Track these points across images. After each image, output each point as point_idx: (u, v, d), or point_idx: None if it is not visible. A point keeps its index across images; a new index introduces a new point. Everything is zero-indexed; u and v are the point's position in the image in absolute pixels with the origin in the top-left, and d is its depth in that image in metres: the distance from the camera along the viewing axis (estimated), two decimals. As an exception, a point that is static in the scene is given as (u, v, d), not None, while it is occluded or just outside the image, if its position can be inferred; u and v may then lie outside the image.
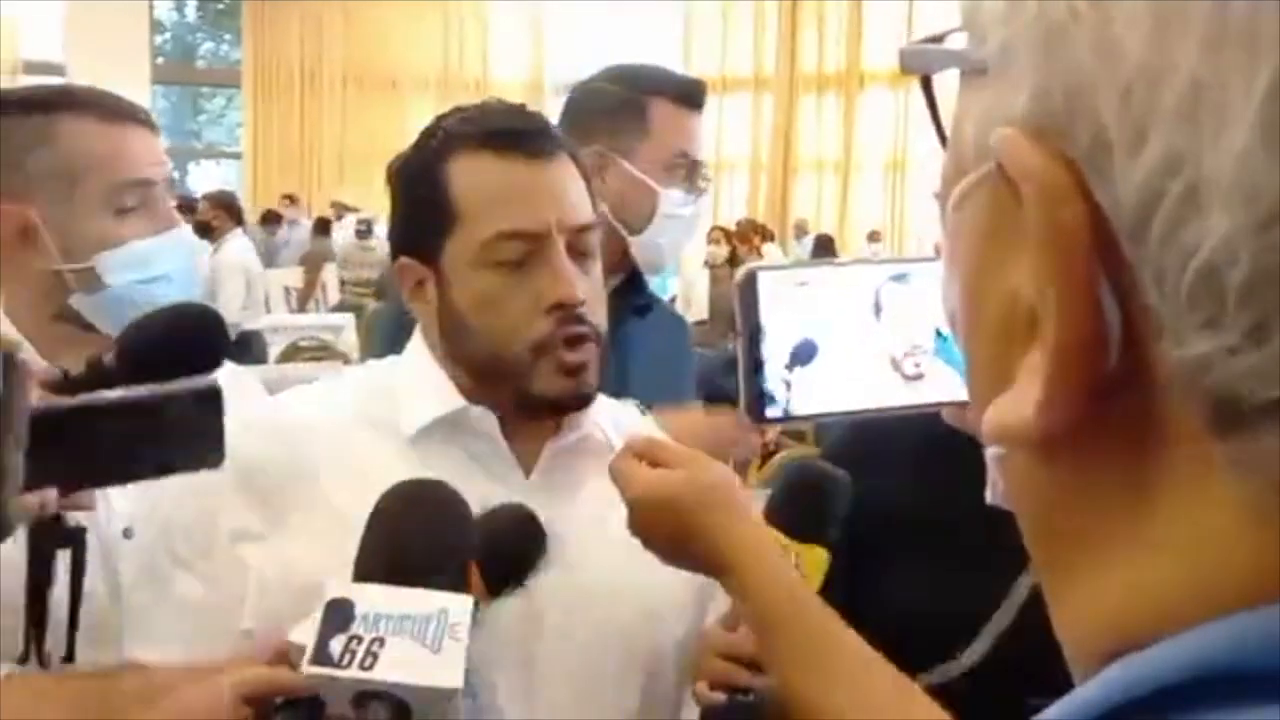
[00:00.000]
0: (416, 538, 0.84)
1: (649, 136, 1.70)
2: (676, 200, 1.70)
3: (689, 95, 1.75)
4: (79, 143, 1.21)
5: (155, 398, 1.01)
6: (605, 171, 1.68)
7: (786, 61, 12.69)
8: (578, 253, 1.11)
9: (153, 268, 1.23)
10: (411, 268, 1.13)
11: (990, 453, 0.36)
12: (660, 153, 1.70)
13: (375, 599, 0.79)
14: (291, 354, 5.74)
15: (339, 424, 1.11)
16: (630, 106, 1.71)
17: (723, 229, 9.30)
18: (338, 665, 0.76)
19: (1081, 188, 0.30)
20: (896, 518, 1.20)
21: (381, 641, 0.77)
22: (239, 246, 7.21)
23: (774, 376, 0.90)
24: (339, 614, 0.79)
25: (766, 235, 9.87)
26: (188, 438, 0.97)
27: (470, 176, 1.10)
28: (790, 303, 0.91)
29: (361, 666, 0.76)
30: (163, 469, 0.99)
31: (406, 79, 13.37)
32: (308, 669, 0.77)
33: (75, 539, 1.00)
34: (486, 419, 1.12)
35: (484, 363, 1.11)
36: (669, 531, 1.00)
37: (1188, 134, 0.27)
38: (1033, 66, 0.31)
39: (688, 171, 1.73)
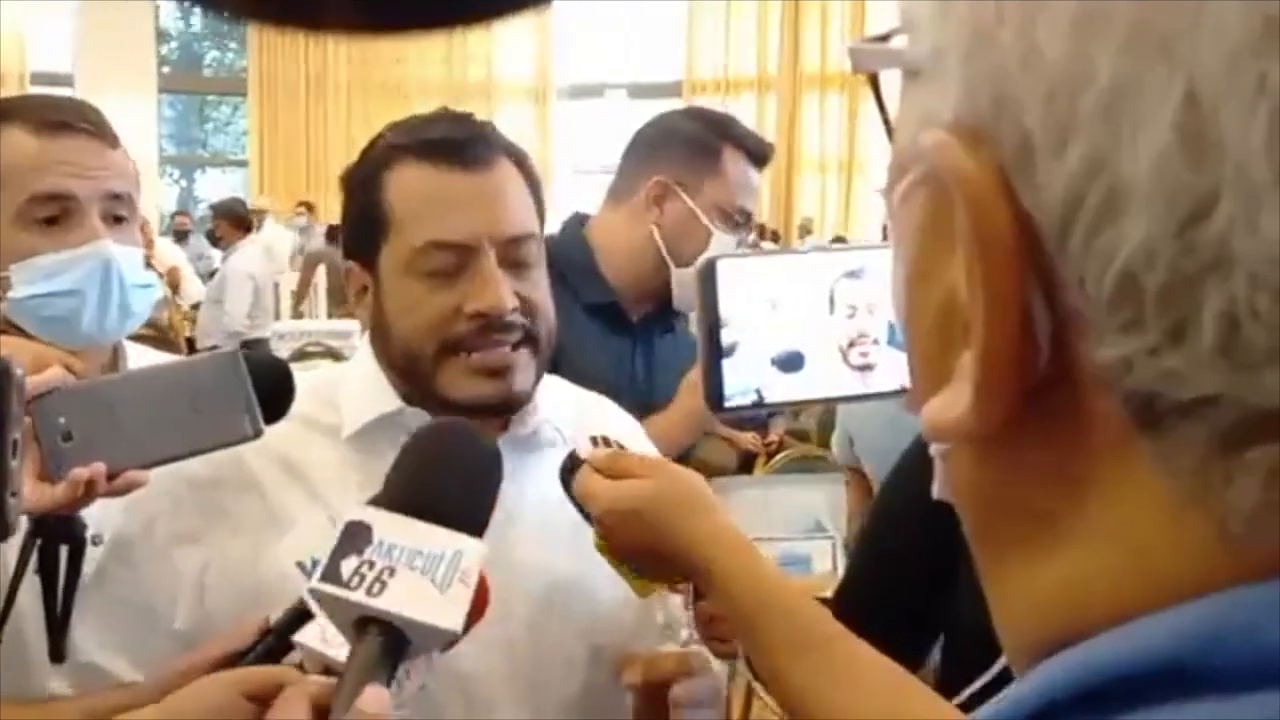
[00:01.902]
0: (447, 478, 0.83)
1: (717, 180, 1.74)
2: (728, 245, 1.73)
3: (760, 153, 1.79)
4: (4, 154, 1.21)
5: (175, 368, 1.02)
6: (665, 201, 1.73)
7: (790, 61, 12.68)
8: (513, 263, 1.10)
9: (58, 282, 1.22)
10: (356, 274, 1.15)
11: (933, 449, 0.37)
12: (724, 198, 1.74)
13: (393, 528, 0.78)
14: (298, 359, 5.75)
15: (280, 426, 1.09)
16: (706, 147, 1.75)
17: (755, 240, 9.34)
18: (345, 586, 0.75)
19: (1008, 193, 0.30)
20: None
21: (392, 571, 0.76)
22: (247, 255, 7.20)
23: (733, 366, 0.90)
24: (355, 537, 0.77)
25: (766, 234, 9.83)
26: (217, 409, 0.97)
27: (405, 185, 1.10)
28: (750, 292, 0.90)
29: (368, 592, 0.75)
30: (197, 444, 0.99)
31: (412, 84, 13.37)
32: (314, 585, 0.76)
33: (78, 537, 1.00)
34: (421, 419, 1.11)
35: (403, 366, 1.11)
36: (640, 541, 0.99)
37: (1106, 138, 0.28)
38: (961, 69, 0.31)
39: (742, 223, 1.77)
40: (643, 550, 1.00)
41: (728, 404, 0.91)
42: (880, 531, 1.32)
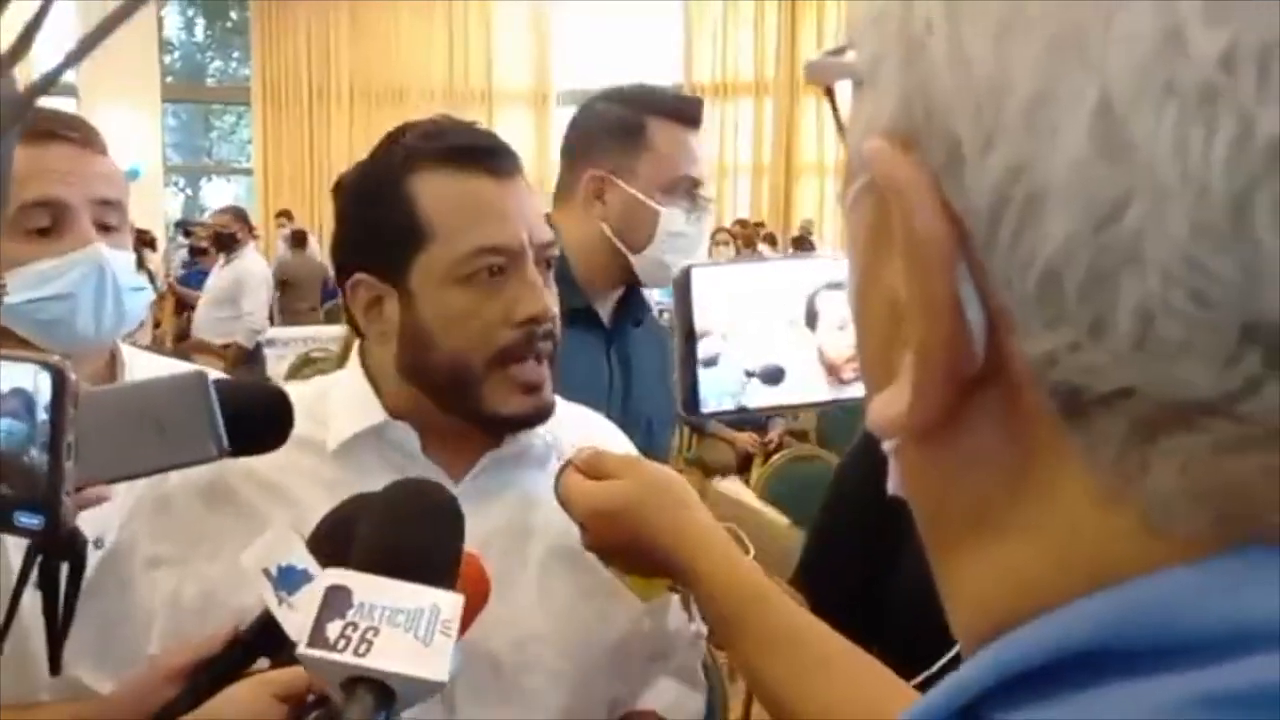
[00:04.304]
0: (415, 538, 0.85)
1: (649, 157, 1.70)
2: (678, 219, 1.70)
3: (687, 114, 1.74)
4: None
5: (142, 386, 1.04)
6: (605, 194, 1.70)
7: (787, 64, 12.69)
8: (544, 267, 1.11)
9: (52, 287, 1.24)
10: (368, 284, 1.11)
11: (885, 446, 0.37)
12: (660, 173, 1.70)
13: (372, 589, 0.80)
14: (303, 365, 5.76)
15: None
16: (630, 127, 1.71)
17: (729, 230, 9.36)
18: (333, 649, 0.77)
19: (940, 196, 0.31)
20: None
21: (376, 630, 0.78)
22: (256, 258, 7.27)
23: (711, 375, 0.91)
24: (337, 601, 0.80)
25: (749, 238, 9.74)
26: (180, 429, 0.99)
27: (439, 193, 1.08)
28: (726, 300, 0.90)
29: (356, 653, 0.77)
30: (162, 462, 1.00)
31: (413, 91, 13.41)
32: (303, 651, 0.78)
33: (78, 550, 0.99)
34: (406, 433, 1.11)
35: (445, 379, 1.09)
36: (624, 542, 1.00)
37: (1028, 143, 0.29)
38: (896, 77, 0.32)
39: (688, 190, 1.73)
40: (625, 552, 1.01)
41: (704, 409, 0.93)
42: (831, 513, 1.34)
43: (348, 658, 0.77)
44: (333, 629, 0.78)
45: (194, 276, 8.66)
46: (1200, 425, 0.28)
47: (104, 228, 1.28)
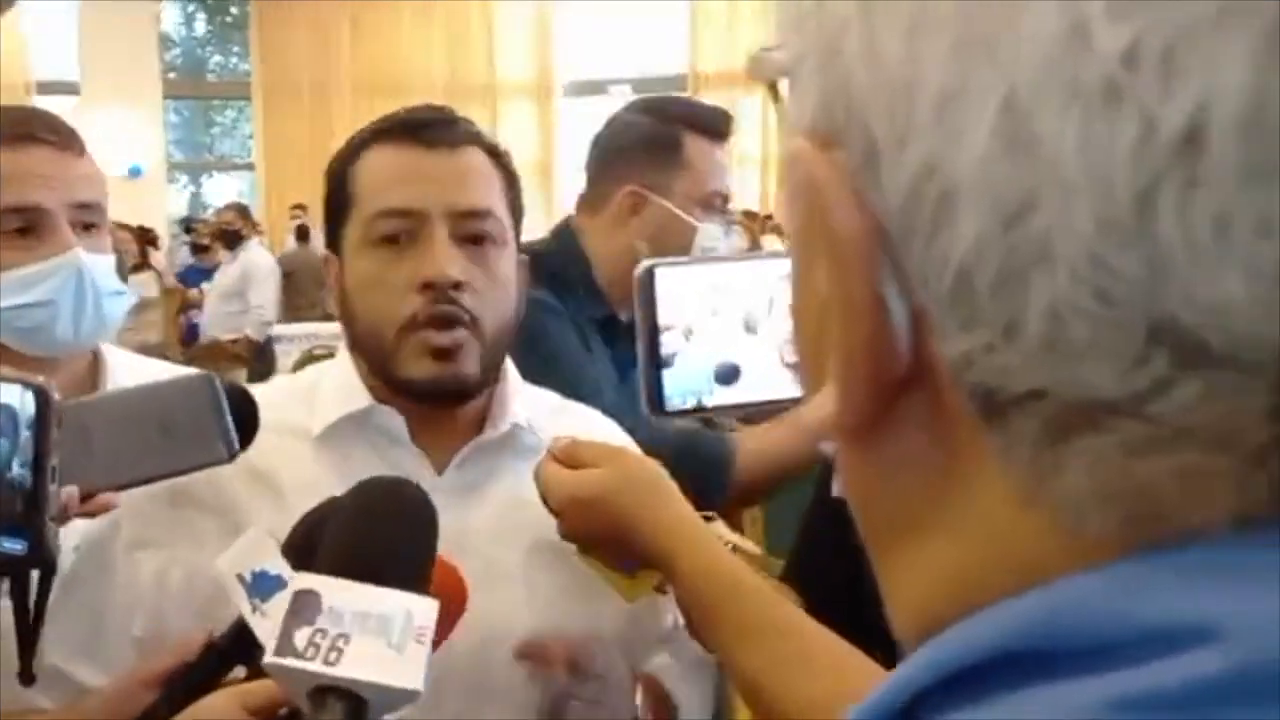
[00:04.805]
0: (385, 540, 0.83)
1: (686, 172, 1.71)
2: (714, 234, 1.72)
3: (720, 128, 1.76)
4: None
5: (149, 390, 1.03)
6: (642, 209, 1.71)
7: (793, 53, 12.67)
8: (467, 237, 1.10)
9: (31, 293, 1.23)
10: (330, 262, 1.16)
11: (825, 447, 0.37)
12: (697, 188, 1.72)
13: (342, 595, 0.76)
14: (305, 362, 5.76)
15: None
16: (665, 141, 1.72)
17: (741, 221, 9.35)
18: (301, 657, 0.74)
19: (858, 196, 0.31)
20: None
21: (346, 638, 0.75)
22: (263, 251, 7.35)
23: (673, 374, 0.91)
24: (305, 606, 0.76)
25: (755, 231, 9.72)
26: (188, 431, 0.98)
27: (368, 166, 1.12)
28: (689, 298, 0.92)
29: (325, 661, 0.74)
30: (170, 466, 0.99)
31: (415, 84, 13.38)
32: (270, 660, 0.75)
33: (49, 562, 0.96)
34: (392, 418, 1.12)
35: (368, 347, 1.11)
36: (601, 531, 1.00)
37: (939, 141, 0.28)
38: (816, 75, 0.32)
39: (720, 205, 1.75)
40: (603, 541, 1.01)
41: (668, 409, 0.93)
42: (815, 512, 1.35)
43: (317, 666, 0.74)
44: (301, 636, 0.75)
45: (193, 274, 8.72)
46: (1108, 426, 0.28)
47: (84, 229, 1.28)
